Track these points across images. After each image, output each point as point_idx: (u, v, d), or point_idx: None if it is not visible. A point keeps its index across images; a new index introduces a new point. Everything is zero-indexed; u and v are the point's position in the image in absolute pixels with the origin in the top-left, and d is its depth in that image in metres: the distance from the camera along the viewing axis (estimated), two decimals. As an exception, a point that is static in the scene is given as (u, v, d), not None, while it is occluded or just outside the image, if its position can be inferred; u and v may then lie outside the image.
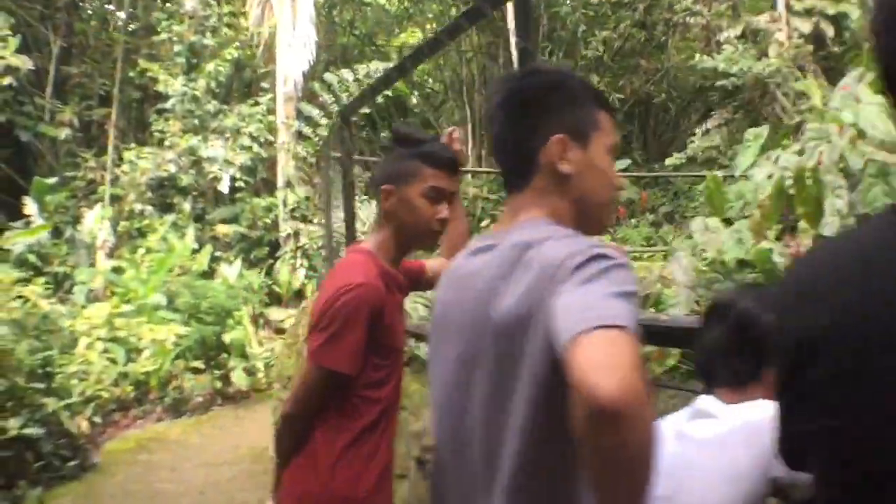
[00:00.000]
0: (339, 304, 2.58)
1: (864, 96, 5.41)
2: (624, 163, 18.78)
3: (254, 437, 9.57)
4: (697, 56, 16.33)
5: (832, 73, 15.59)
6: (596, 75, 19.33)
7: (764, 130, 8.78)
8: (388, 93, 15.98)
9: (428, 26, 21.46)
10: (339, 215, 15.27)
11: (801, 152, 5.80)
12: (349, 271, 2.71)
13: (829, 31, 15.02)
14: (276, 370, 10.85)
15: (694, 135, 17.70)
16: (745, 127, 16.36)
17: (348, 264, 2.81)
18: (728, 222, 6.79)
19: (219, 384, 12.01)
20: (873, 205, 4.68)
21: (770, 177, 6.20)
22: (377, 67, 16.22)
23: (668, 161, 17.92)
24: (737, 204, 7.48)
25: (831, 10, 14.87)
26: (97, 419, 9.52)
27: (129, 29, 17.81)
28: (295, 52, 15.70)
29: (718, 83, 16.36)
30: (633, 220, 18.14)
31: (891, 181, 4.87)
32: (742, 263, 5.51)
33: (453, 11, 22.11)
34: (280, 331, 13.89)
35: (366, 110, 16.43)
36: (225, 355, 12.47)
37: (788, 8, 14.96)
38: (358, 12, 22.05)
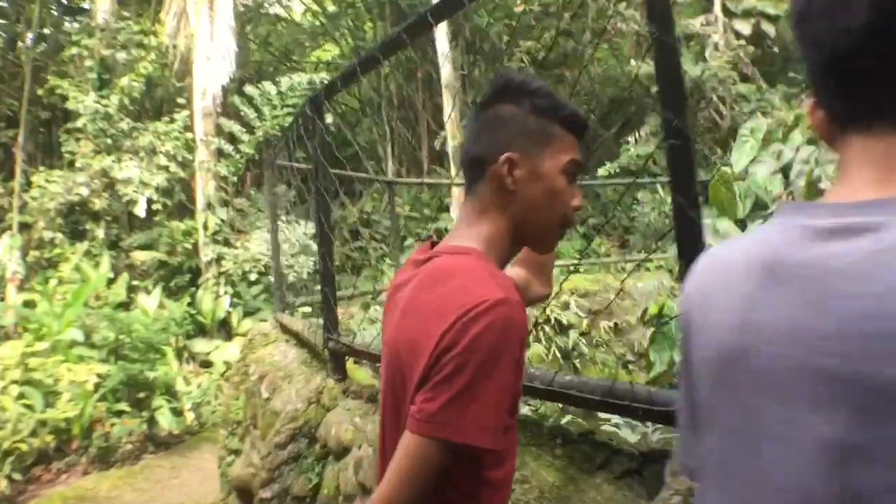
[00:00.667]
0: (471, 337, 1.47)
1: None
2: None
3: (197, 491, 8.28)
4: (633, 62, 15.65)
5: (772, 74, 15.30)
6: None
7: (762, 124, 8.02)
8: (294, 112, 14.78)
9: (344, 42, 20.72)
10: (266, 235, 14.34)
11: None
12: (474, 282, 1.57)
13: (771, 31, 14.59)
14: (219, 412, 9.70)
15: (626, 143, 17.13)
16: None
17: (465, 270, 1.63)
18: (741, 224, 6.14)
19: (147, 428, 10.59)
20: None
21: (779, 171, 5.69)
22: (300, 80, 15.07)
23: (600, 171, 17.31)
24: (744, 203, 6.85)
25: (772, 10, 14.42)
26: (17, 476, 8.21)
27: (38, 47, 16.31)
28: (213, 64, 14.39)
29: (655, 89, 15.64)
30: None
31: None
32: None
33: (368, 27, 21.52)
34: (206, 364, 12.62)
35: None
36: (152, 395, 11.05)
37: (726, 10, 14.48)
38: (272, 28, 21.10)
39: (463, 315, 1.48)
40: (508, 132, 1.72)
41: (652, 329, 6.86)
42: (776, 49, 15.10)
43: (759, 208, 6.51)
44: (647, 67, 15.37)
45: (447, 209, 17.90)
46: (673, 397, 2.08)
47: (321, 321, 5.22)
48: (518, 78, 1.78)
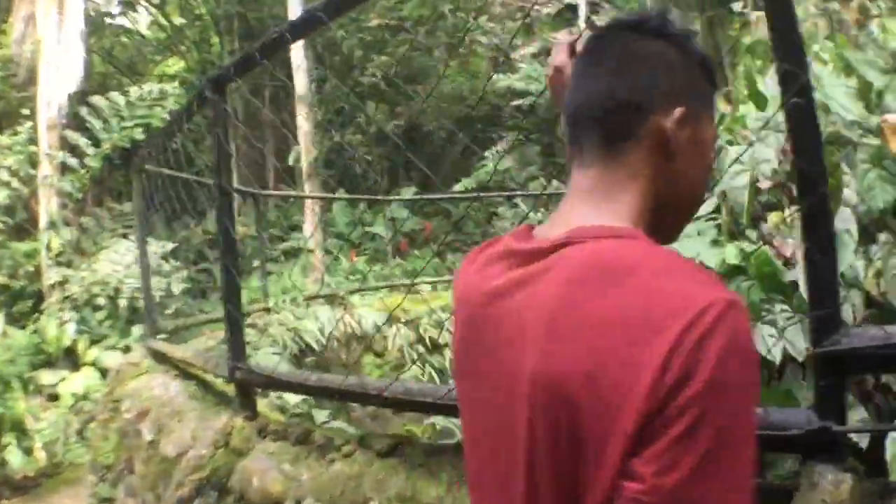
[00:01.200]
0: (712, 361, 0.93)
1: (826, 79, 4.61)
2: (410, 191, 17.89)
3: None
4: (496, 76, 15.22)
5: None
6: (372, 102, 18.29)
7: None
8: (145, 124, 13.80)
9: (190, 56, 19.97)
10: (116, 256, 13.20)
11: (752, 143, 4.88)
12: (679, 277, 1.03)
13: None
14: (75, 451, 8.61)
15: (484, 159, 16.86)
16: (537, 150, 15.76)
17: (651, 261, 1.07)
18: None
19: (-1, 470, 9.25)
20: (871, 192, 4.00)
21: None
22: (150, 90, 13.99)
23: (456, 187, 17.21)
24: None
25: None
26: None
27: None
28: (61, 72, 13.04)
29: (514, 103, 15.45)
30: (416, 252, 17.33)
31: (888, 166, 4.10)
32: (737, 270, 4.33)
33: (215, 41, 20.61)
34: (53, 397, 11.28)
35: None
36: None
37: (590, 24, 14.24)
38: (116, 40, 19.88)
39: (688, 328, 0.93)
40: (675, 79, 1.23)
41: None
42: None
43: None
44: (503, 82, 15.07)
45: (298, 228, 17.22)
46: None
47: (212, 346, 4.36)
48: (663, 15, 1.30)
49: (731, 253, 4.31)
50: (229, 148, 4.22)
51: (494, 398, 1.17)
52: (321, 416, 5.82)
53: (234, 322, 4.16)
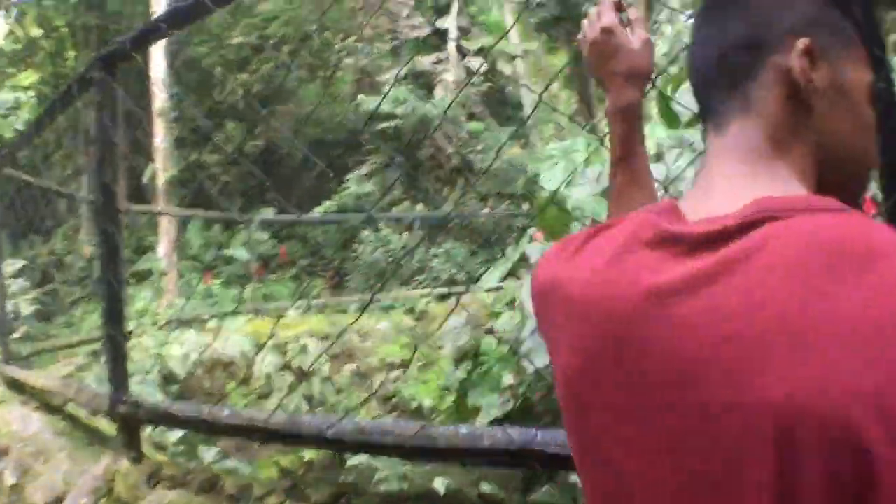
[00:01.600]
0: None
1: None
2: (269, 212, 17.54)
3: None
4: (361, 97, 14.84)
5: (503, 108, 15.20)
6: (232, 122, 17.65)
7: (578, 143, 7.36)
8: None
9: (44, 69, 19.23)
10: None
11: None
12: None
13: (507, 69, 14.36)
14: None
15: (345, 182, 16.54)
16: (403, 173, 15.47)
17: (886, 235, 0.78)
18: None
19: None
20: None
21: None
22: (5, 98, 13.19)
23: (316, 210, 16.91)
24: (576, 226, 6.17)
25: (509, 49, 14.22)
26: None
27: None
28: None
29: (381, 126, 15.16)
30: (273, 276, 16.92)
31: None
32: None
33: (70, 55, 19.68)
34: None
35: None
36: None
37: (460, 49, 14.06)
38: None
39: None
40: (792, 12, 1.00)
41: (468, 370, 5.95)
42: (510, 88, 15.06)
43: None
44: (367, 104, 14.86)
45: (150, 249, 16.31)
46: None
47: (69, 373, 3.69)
48: None
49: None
50: (114, 138, 3.59)
51: (678, 442, 0.83)
52: (210, 454, 5.08)
53: (117, 347, 3.54)
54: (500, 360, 5.61)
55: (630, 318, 0.88)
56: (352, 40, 15.30)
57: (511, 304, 6.16)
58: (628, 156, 1.42)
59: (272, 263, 17.74)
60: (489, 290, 9.22)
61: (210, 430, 3.19)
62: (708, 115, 1.04)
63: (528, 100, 15.11)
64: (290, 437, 2.66)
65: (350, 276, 15.84)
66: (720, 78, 1.02)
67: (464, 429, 2.17)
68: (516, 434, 1.98)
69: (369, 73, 15.65)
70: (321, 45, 16.47)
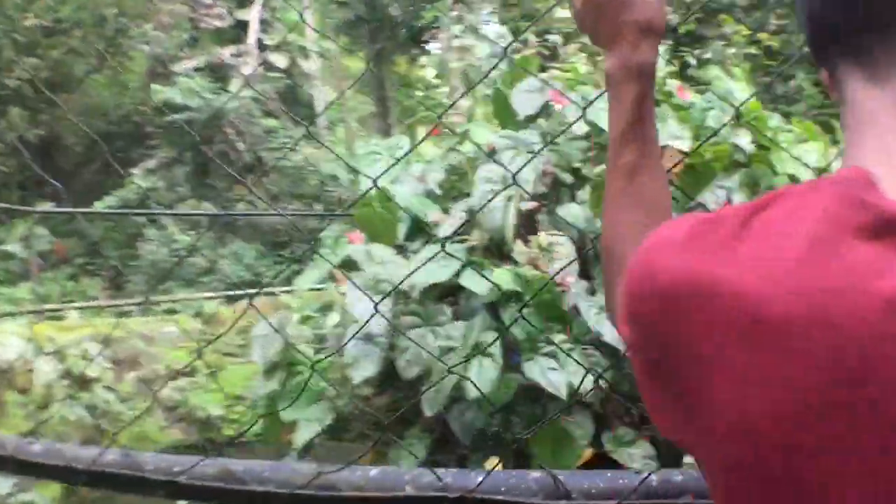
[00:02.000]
0: None
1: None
2: (47, 205, 16.44)
3: None
4: (155, 86, 14.23)
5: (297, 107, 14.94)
6: (16, 108, 16.93)
7: (400, 140, 7.13)
8: None
9: None
10: None
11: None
12: None
13: (306, 65, 14.18)
14: None
15: (130, 176, 16.37)
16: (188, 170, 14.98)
17: None
18: (400, 249, 5.40)
19: None
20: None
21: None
22: None
23: (98, 204, 16.23)
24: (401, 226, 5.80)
25: (308, 45, 14.07)
26: None
27: None
28: None
29: (170, 118, 14.64)
30: (49, 274, 16.06)
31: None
32: (516, 296, 4.17)
33: None
34: None
35: None
36: None
37: (259, 43, 13.77)
38: None
39: None
40: None
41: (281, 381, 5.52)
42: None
43: (419, 232, 5.57)
44: (161, 94, 14.36)
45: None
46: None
47: None
48: None
49: (503, 277, 4.10)
50: None
51: None
52: (5, 486, 4.16)
53: None
54: (319, 370, 5.24)
55: (866, 339, 0.66)
56: (149, 27, 14.63)
57: (326, 308, 5.74)
58: (641, 123, 1.15)
59: (47, 261, 16.86)
60: (286, 292, 8.88)
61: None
62: (852, 60, 0.82)
63: (320, 100, 14.95)
64: (127, 482, 1.96)
65: (132, 276, 15.11)
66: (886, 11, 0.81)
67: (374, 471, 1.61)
68: (451, 478, 1.50)
69: (164, 62, 15.03)
70: (115, 31, 15.72)
